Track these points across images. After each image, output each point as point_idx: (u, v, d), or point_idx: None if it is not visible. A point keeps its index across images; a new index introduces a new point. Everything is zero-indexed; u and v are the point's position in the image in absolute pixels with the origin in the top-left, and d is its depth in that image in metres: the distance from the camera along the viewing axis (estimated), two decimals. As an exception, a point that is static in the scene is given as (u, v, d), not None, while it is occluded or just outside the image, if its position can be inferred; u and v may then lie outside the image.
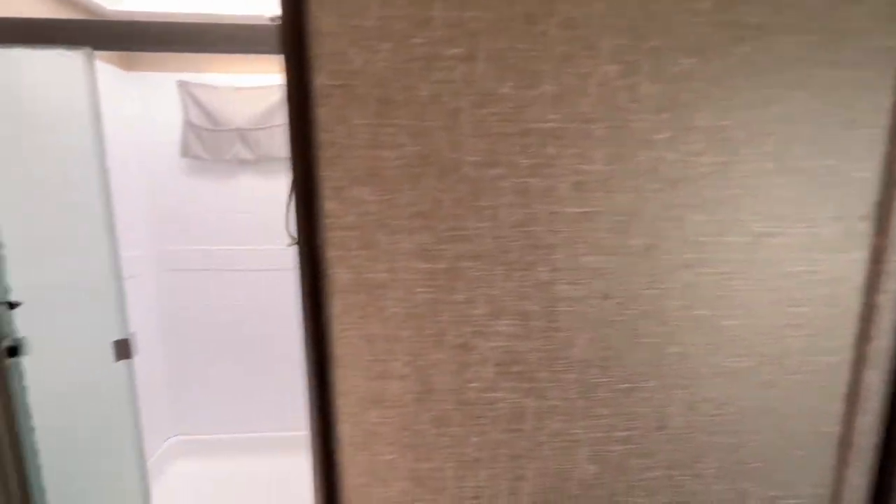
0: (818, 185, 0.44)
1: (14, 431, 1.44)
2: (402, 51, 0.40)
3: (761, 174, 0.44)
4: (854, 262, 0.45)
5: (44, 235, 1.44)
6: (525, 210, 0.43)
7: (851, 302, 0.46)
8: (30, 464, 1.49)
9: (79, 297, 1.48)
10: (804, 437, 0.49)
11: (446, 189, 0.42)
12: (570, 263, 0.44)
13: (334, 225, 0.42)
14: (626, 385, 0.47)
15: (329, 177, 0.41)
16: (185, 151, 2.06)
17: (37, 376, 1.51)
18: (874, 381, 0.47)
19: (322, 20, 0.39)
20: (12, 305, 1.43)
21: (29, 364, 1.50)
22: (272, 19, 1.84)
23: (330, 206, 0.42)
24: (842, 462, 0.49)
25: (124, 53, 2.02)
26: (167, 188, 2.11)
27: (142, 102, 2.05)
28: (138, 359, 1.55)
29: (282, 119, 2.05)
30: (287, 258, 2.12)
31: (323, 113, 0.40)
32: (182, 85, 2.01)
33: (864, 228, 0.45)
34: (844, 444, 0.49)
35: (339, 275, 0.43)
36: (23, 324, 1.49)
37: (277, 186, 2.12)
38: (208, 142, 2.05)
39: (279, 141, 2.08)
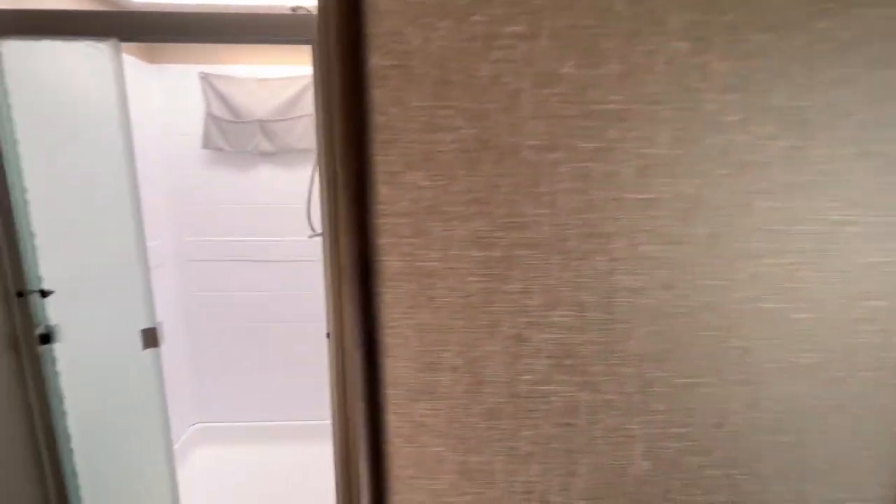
0: (899, 170, 0.41)
1: (47, 416, 1.48)
2: (461, 29, 0.38)
3: (839, 159, 0.41)
4: (935, 254, 0.43)
5: (73, 225, 1.47)
6: (584, 196, 0.41)
7: (930, 296, 0.43)
8: (62, 447, 1.54)
9: (108, 286, 1.51)
10: (873, 437, 0.46)
11: (503, 174, 0.41)
12: (629, 253, 0.43)
13: (387, 211, 0.41)
14: (685, 380, 0.45)
15: (383, 161, 0.40)
16: (207, 143, 2.07)
17: (69, 363, 1.55)
18: (951, 380, 0.45)
19: (378, -3, 0.37)
20: (45, 294, 1.46)
21: (61, 351, 1.54)
22: (294, 9, 1.82)
23: (383, 191, 0.41)
24: (911, 464, 0.47)
25: (147, 46, 2.03)
26: (189, 179, 2.13)
27: (164, 94, 2.06)
28: (162, 347, 1.57)
29: (302, 110, 2.05)
30: (307, 249, 2.13)
31: (378, 95, 0.39)
32: (204, 77, 2.01)
33: (948, 217, 0.42)
34: (915, 445, 0.46)
35: (390, 263, 0.42)
36: (55, 312, 1.52)
37: (298, 178, 2.12)
38: (230, 133, 2.06)
39: (299, 133, 2.08)
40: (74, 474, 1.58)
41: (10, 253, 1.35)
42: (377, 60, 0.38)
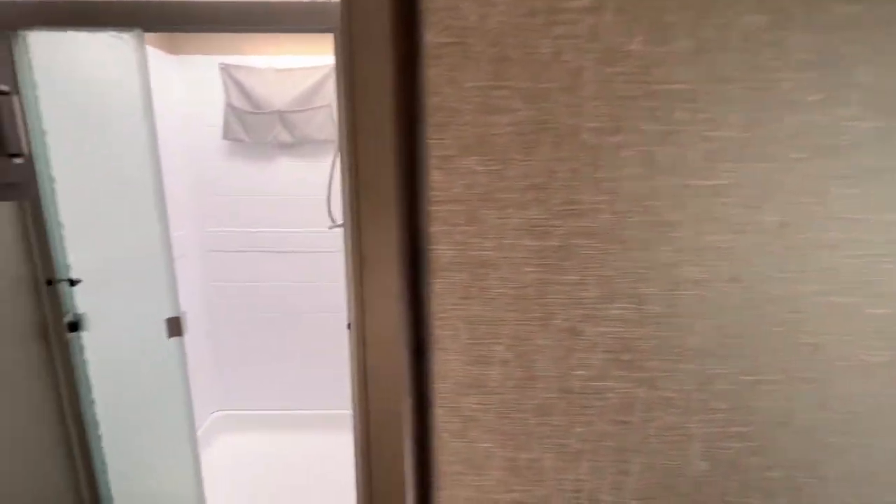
0: None
1: (76, 403, 1.51)
2: (520, 3, 0.36)
3: (928, 142, 0.38)
4: None
5: (99, 215, 1.48)
6: (648, 182, 0.39)
7: None
8: (91, 434, 1.57)
9: (133, 275, 1.52)
10: (950, 441, 0.43)
11: (562, 158, 0.39)
12: (694, 242, 0.40)
13: (439, 198, 0.39)
14: (748, 377, 0.43)
15: (437, 144, 0.38)
16: (227, 134, 2.07)
17: (96, 351, 1.57)
18: None
19: (434, -31, 0.35)
20: (73, 283, 1.48)
21: (88, 340, 1.56)
22: (315, -3, 1.80)
23: (436, 177, 0.39)
24: None
25: (168, 37, 2.03)
26: (210, 171, 2.14)
27: (185, 85, 2.07)
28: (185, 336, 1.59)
29: (322, 101, 2.04)
30: (327, 240, 2.13)
31: (433, 74, 0.37)
32: (224, 67, 2.01)
33: None
34: None
35: (441, 252, 0.40)
36: (82, 300, 1.54)
37: (317, 169, 2.12)
38: (249, 124, 2.06)
39: (319, 123, 2.07)
40: (102, 459, 1.61)
41: (39, 242, 1.37)
42: (432, 37, 0.36)
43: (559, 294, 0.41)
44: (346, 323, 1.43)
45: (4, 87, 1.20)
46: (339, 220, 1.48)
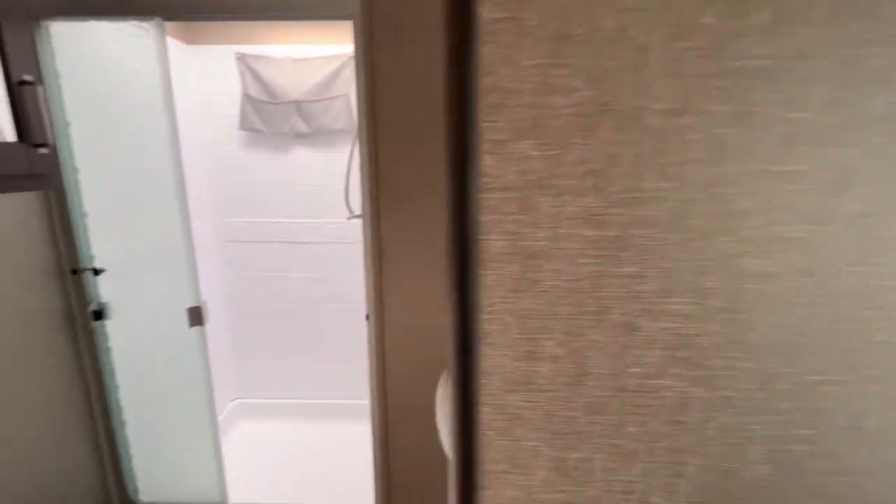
0: None
1: (101, 390, 1.53)
2: (585, -28, 0.33)
3: None
4: None
5: (122, 205, 1.49)
6: (717, 168, 0.36)
7: None
8: (115, 420, 1.59)
9: (155, 265, 1.53)
10: None
11: (624, 142, 0.36)
12: (762, 233, 0.37)
13: (491, 185, 0.37)
14: (815, 377, 0.40)
15: (491, 127, 0.36)
16: (244, 124, 2.07)
17: (119, 340, 1.59)
18: None
19: (492, -63, 0.33)
20: (97, 272, 1.49)
21: (112, 328, 1.58)
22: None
23: (488, 162, 0.36)
24: None
25: (184, 26, 2.02)
26: (227, 161, 2.14)
27: (201, 75, 2.06)
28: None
29: (339, 90, 2.02)
30: (344, 231, 2.12)
31: (488, 52, 0.34)
32: (240, 57, 2.00)
33: None
34: None
35: (492, 242, 0.38)
36: (106, 290, 1.56)
37: (334, 159, 2.10)
38: (265, 114, 2.05)
39: (335, 113, 2.05)
40: (127, 445, 1.64)
41: (64, 232, 1.38)
42: (488, 12, 0.34)
43: (615, 287, 0.39)
44: (364, 314, 1.42)
45: (29, 77, 1.20)
46: (357, 211, 1.47)
